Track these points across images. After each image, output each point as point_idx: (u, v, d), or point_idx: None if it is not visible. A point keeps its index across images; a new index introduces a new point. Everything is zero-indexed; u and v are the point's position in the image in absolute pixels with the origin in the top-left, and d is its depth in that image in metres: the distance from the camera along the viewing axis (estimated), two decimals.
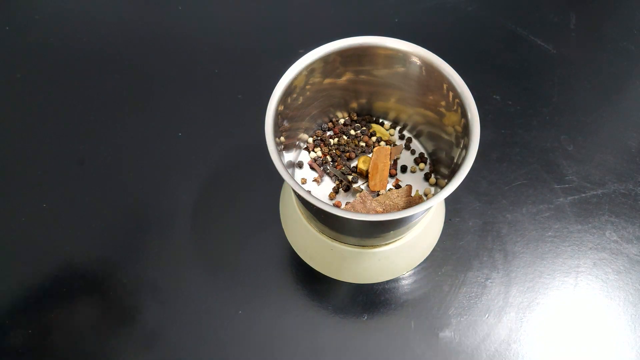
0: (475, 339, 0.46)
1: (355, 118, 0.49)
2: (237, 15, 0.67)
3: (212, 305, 0.47)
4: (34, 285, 0.48)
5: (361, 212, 0.38)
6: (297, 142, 0.46)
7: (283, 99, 0.38)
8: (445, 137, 0.43)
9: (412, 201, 0.43)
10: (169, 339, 0.46)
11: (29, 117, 0.58)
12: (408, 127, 0.49)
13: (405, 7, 0.67)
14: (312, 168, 0.46)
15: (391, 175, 0.46)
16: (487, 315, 0.47)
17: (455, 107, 0.39)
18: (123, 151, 0.55)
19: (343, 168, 0.46)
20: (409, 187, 0.44)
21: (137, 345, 0.46)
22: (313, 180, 0.45)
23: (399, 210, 0.41)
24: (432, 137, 0.46)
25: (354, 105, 0.49)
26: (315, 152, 0.47)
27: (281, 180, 0.49)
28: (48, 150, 0.55)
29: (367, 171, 0.44)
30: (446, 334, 0.46)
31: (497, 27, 0.65)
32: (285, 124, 0.41)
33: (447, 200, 0.50)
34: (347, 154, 0.47)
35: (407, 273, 0.49)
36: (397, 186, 0.45)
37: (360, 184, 0.46)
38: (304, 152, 0.47)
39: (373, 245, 0.43)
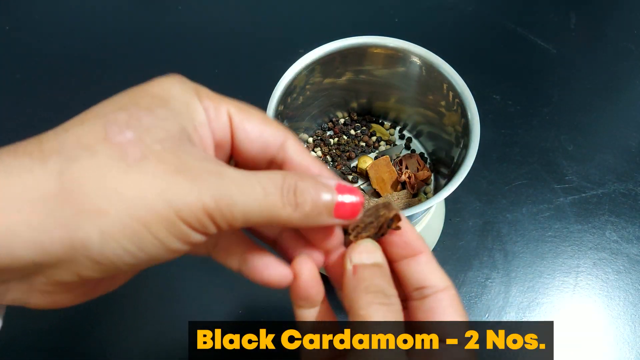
0: None
1: (355, 118, 0.49)
2: (237, 15, 0.67)
3: (212, 305, 0.47)
4: None
5: None
6: None
7: (283, 99, 0.38)
8: (445, 136, 0.43)
9: (412, 201, 0.43)
10: (168, 339, 0.46)
11: (29, 117, 0.58)
12: (408, 127, 0.49)
13: (405, 7, 0.67)
14: None
15: (403, 184, 0.45)
16: (487, 315, 0.46)
17: (455, 107, 0.39)
18: None
19: (343, 168, 0.46)
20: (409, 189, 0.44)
21: (137, 345, 0.46)
22: None
23: None
24: (432, 137, 0.46)
25: (354, 105, 0.49)
26: (315, 152, 0.47)
27: None
28: None
29: (366, 171, 0.44)
30: None
31: (497, 27, 0.65)
32: (286, 123, 0.41)
33: (447, 200, 0.50)
34: (347, 153, 0.47)
35: None
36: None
37: (360, 184, 0.46)
38: None
39: None
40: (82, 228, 0.16)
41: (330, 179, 0.20)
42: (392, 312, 0.19)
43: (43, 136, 0.17)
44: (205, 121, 0.19)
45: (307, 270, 0.21)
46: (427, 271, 0.21)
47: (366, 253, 0.21)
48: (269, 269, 0.21)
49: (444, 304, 0.21)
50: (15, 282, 0.17)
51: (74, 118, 0.18)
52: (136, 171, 0.16)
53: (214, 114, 0.19)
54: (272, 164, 0.21)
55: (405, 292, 0.22)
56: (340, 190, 0.19)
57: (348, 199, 0.19)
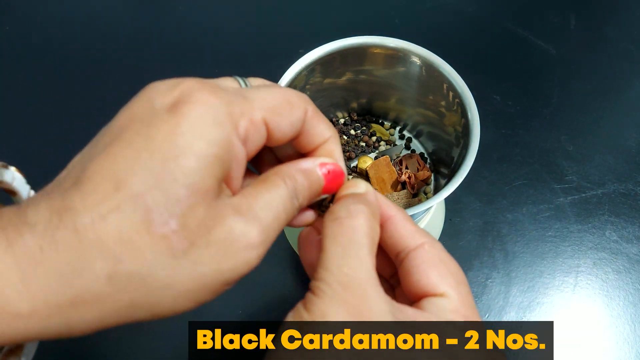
0: None
1: (355, 118, 0.49)
2: (237, 15, 0.67)
3: (212, 305, 0.47)
4: None
5: None
6: None
7: None
8: (446, 137, 0.43)
9: (412, 201, 0.43)
10: (169, 339, 0.46)
11: (29, 117, 0.58)
12: (408, 127, 0.49)
13: (406, 8, 0.67)
14: None
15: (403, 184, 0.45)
16: (487, 315, 0.47)
17: (455, 107, 0.39)
18: None
19: None
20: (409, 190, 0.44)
21: (137, 345, 0.46)
22: None
23: None
24: (432, 137, 0.46)
25: (354, 105, 0.49)
26: None
27: None
28: (49, 151, 0.55)
29: (366, 171, 0.44)
30: None
31: (497, 27, 0.65)
32: None
33: (447, 200, 0.50)
34: (347, 154, 0.47)
35: None
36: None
37: None
38: None
39: None
40: (134, 316, 0.17)
41: (316, 160, 0.21)
42: (346, 232, 0.19)
43: (77, 219, 0.16)
44: (242, 151, 0.19)
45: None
46: (396, 235, 0.21)
47: (346, 189, 0.22)
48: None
49: (417, 262, 0.20)
50: None
51: (104, 191, 0.16)
52: (186, 263, 0.17)
53: (252, 130, 0.19)
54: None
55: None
56: (323, 166, 0.22)
57: (332, 177, 0.22)
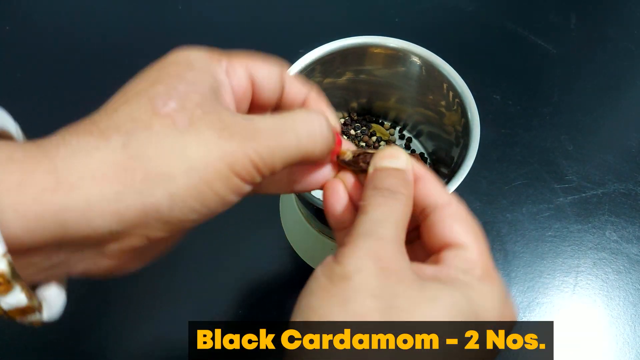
0: None
1: (355, 118, 0.49)
2: (237, 15, 0.67)
3: (212, 305, 0.47)
4: None
5: None
6: None
7: None
8: (445, 136, 0.43)
9: None
10: (169, 339, 0.46)
11: (28, 117, 0.58)
12: (408, 127, 0.49)
13: (406, 7, 0.67)
14: None
15: None
16: None
17: (455, 107, 0.39)
18: None
19: None
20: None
21: (137, 345, 0.46)
22: None
23: None
24: (432, 136, 0.46)
25: (354, 105, 0.49)
26: None
27: None
28: None
29: None
30: None
31: (497, 27, 0.65)
32: None
33: None
34: None
35: None
36: None
37: None
38: None
39: None
40: (153, 194, 0.17)
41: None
42: (389, 205, 0.21)
43: (95, 117, 0.19)
44: (226, 79, 0.21)
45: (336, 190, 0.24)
46: (425, 192, 0.22)
47: (388, 158, 0.23)
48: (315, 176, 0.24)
49: (442, 216, 0.22)
50: (89, 251, 0.18)
51: (116, 97, 0.20)
52: (189, 136, 0.18)
53: (231, 69, 0.22)
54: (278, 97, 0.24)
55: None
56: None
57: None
